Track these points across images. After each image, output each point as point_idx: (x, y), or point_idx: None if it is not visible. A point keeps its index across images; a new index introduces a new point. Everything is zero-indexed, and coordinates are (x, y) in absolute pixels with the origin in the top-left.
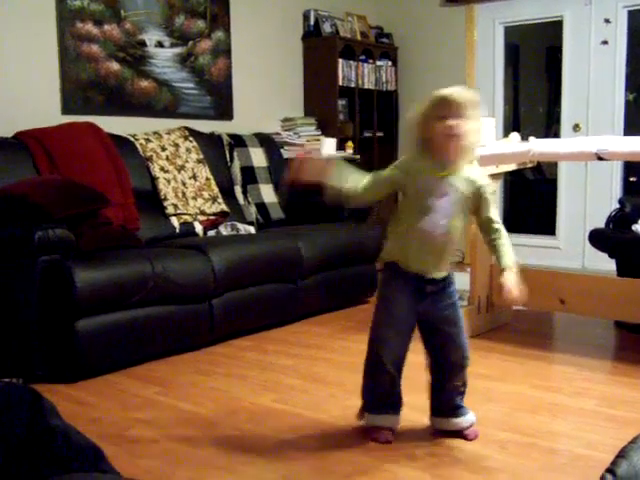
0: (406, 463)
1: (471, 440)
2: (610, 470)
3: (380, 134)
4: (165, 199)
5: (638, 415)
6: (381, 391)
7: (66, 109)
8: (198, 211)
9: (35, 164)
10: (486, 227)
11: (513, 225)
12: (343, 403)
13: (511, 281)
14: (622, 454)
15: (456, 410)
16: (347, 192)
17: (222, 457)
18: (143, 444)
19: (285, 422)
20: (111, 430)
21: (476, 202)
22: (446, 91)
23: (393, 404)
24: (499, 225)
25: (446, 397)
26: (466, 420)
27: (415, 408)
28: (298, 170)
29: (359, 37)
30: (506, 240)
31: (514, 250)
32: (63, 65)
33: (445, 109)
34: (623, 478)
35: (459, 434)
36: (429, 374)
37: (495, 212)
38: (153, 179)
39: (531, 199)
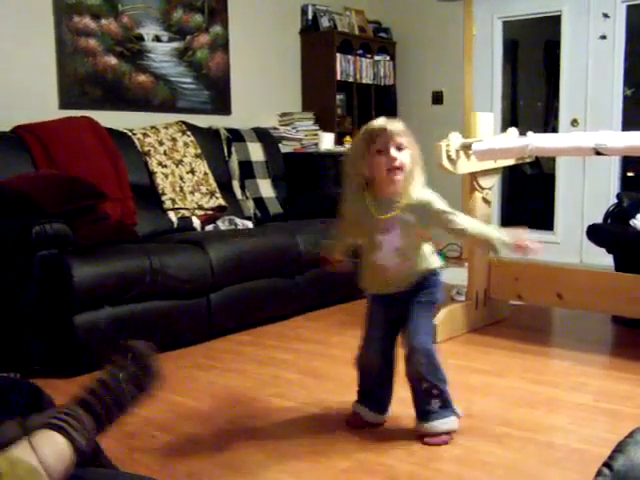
0: (404, 458)
1: (429, 445)
2: (607, 464)
3: None
4: (163, 194)
5: (635, 410)
6: (362, 387)
7: (63, 103)
8: (196, 206)
9: (33, 159)
10: (453, 232)
11: (511, 220)
12: (341, 398)
13: (519, 236)
14: (619, 448)
15: (428, 414)
16: (339, 249)
17: (221, 452)
18: (141, 439)
19: (283, 416)
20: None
21: (430, 219)
22: (376, 124)
23: (374, 402)
24: (459, 220)
25: (416, 398)
26: (436, 426)
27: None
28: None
29: (357, 32)
30: (474, 224)
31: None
32: (60, 59)
33: (381, 142)
34: (620, 472)
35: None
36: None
37: (451, 215)
38: (151, 174)
39: (529, 194)
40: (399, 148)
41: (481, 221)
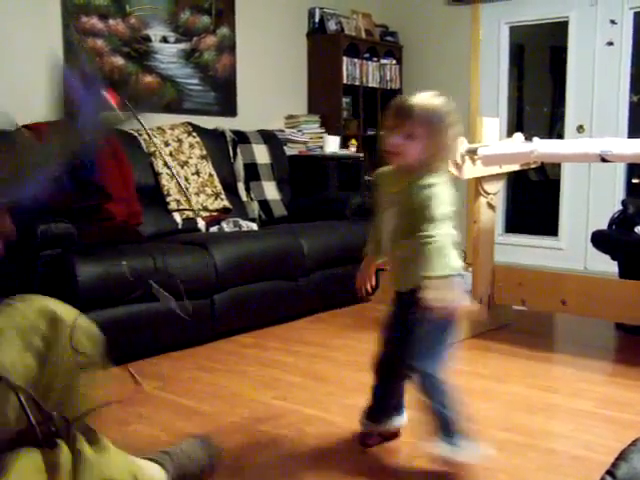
0: (405, 461)
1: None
2: (610, 472)
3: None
4: (168, 195)
5: (637, 417)
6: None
7: None
8: (201, 207)
9: None
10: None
11: (515, 226)
12: (343, 401)
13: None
14: (622, 457)
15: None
16: (374, 253)
17: (225, 452)
18: (143, 439)
19: (284, 419)
20: (111, 425)
21: (417, 204)
22: (407, 100)
23: (377, 410)
24: (433, 231)
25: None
26: (430, 446)
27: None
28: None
29: (364, 35)
30: (438, 251)
31: (517, 250)
32: (68, 60)
33: (392, 121)
34: None
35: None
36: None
37: (431, 223)
38: (156, 174)
39: (534, 200)
40: (409, 135)
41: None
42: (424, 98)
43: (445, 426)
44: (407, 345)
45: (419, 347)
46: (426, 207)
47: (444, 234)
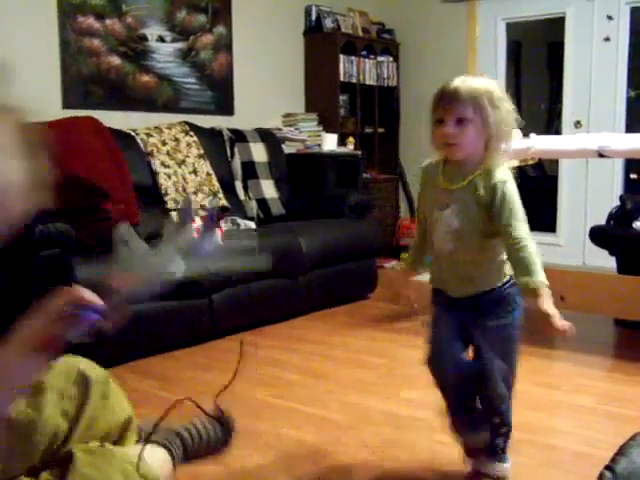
0: (406, 459)
1: None
2: (609, 467)
3: (381, 130)
4: (166, 194)
5: (637, 412)
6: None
7: (67, 104)
8: (199, 206)
9: None
10: (506, 240)
11: None
12: (341, 399)
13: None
14: (621, 452)
15: (488, 450)
16: (416, 261)
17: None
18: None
19: (283, 417)
20: None
21: (492, 208)
22: (447, 85)
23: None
24: (517, 232)
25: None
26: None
27: (415, 403)
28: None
29: (360, 33)
30: (533, 252)
31: None
32: (64, 59)
33: (440, 111)
34: (622, 475)
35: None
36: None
37: (517, 222)
38: (154, 174)
39: (532, 196)
40: (460, 120)
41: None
42: (468, 80)
43: (500, 437)
44: (487, 361)
45: (495, 371)
46: (502, 206)
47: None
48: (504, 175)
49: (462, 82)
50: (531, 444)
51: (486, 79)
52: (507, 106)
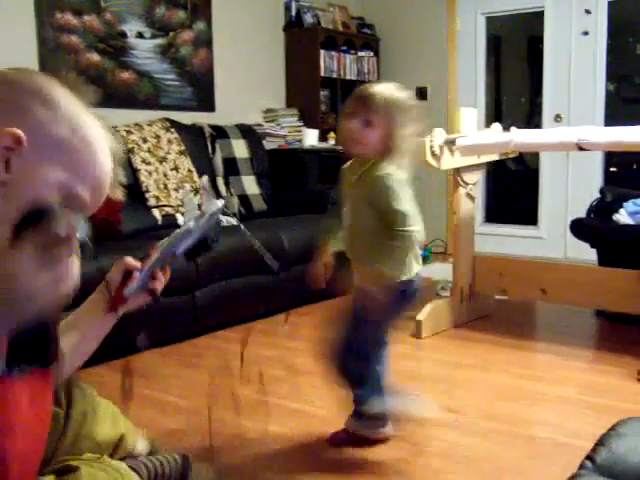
0: (389, 453)
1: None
2: (590, 457)
3: None
4: (147, 191)
5: (618, 403)
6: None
7: None
8: (180, 203)
9: None
10: (393, 229)
11: (495, 215)
12: (325, 393)
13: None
14: (602, 442)
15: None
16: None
17: (206, 449)
18: None
19: (268, 412)
20: None
21: (378, 199)
22: (368, 88)
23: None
24: (405, 220)
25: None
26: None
27: None
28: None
29: (341, 28)
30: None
31: (497, 240)
32: (42, 56)
33: (350, 106)
34: (602, 465)
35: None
36: None
37: (400, 215)
38: (135, 171)
39: (513, 189)
40: (368, 124)
41: None
42: (387, 88)
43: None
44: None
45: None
46: (385, 199)
47: (413, 231)
48: (392, 170)
49: (379, 89)
50: (513, 435)
51: (409, 96)
52: (414, 129)
